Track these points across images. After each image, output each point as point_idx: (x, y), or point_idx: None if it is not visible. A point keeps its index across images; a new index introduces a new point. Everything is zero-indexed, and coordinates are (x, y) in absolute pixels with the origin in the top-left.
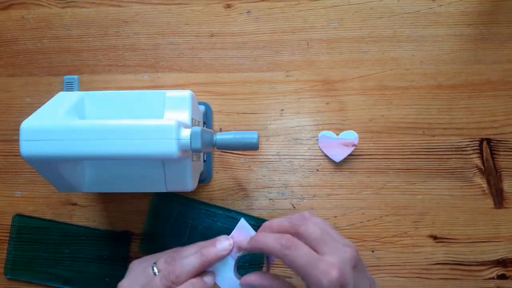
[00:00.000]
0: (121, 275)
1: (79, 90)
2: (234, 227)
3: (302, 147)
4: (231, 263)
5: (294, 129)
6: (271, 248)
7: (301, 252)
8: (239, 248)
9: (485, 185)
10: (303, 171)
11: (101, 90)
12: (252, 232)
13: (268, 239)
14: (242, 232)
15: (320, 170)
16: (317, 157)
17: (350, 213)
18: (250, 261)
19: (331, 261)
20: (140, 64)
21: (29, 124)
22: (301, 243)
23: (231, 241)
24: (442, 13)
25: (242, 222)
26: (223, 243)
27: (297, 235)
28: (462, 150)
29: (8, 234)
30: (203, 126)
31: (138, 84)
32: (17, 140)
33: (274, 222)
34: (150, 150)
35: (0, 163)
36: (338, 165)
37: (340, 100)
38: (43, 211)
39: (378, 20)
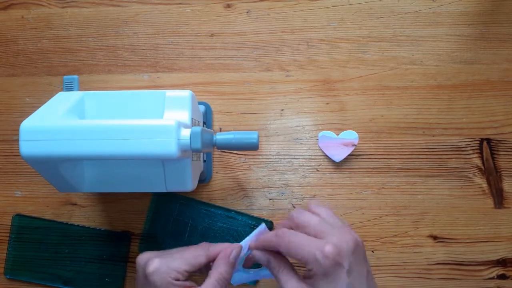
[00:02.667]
0: (121, 275)
1: (79, 90)
2: (234, 227)
3: (302, 147)
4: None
5: (294, 129)
6: (269, 241)
7: (296, 238)
8: (250, 247)
9: (485, 185)
10: (303, 171)
11: (101, 90)
12: None
13: (265, 235)
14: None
15: (320, 170)
16: (317, 157)
17: (350, 213)
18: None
19: (329, 240)
20: (140, 64)
21: (29, 124)
22: (296, 232)
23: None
24: (442, 13)
25: (262, 227)
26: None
27: (297, 227)
28: (462, 150)
29: (8, 234)
30: (203, 126)
31: (138, 84)
32: (17, 140)
33: (279, 222)
34: (150, 150)
35: (0, 163)
36: (338, 165)
37: (340, 100)
38: (43, 211)
39: (378, 20)
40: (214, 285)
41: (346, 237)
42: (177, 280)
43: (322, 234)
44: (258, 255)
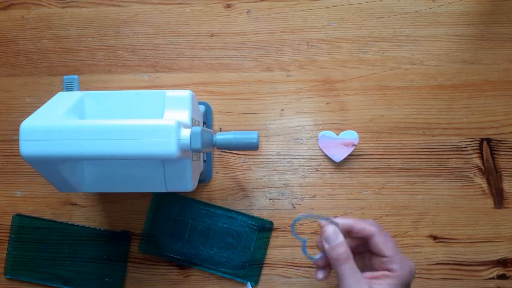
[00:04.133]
0: (121, 275)
1: (79, 90)
2: (234, 227)
3: (302, 147)
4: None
5: (294, 129)
6: (370, 230)
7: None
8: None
9: (485, 185)
10: (303, 171)
11: (101, 90)
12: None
13: (367, 224)
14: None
15: (320, 170)
16: (317, 157)
17: (350, 213)
18: (250, 261)
19: (403, 258)
20: (140, 64)
21: (29, 124)
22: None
23: None
24: (442, 13)
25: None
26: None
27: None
28: (462, 150)
29: (8, 234)
30: (203, 126)
31: (138, 84)
32: (17, 140)
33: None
34: (150, 150)
35: (0, 163)
36: (338, 165)
37: (340, 100)
38: (43, 211)
39: (378, 20)
40: None
41: (412, 265)
42: None
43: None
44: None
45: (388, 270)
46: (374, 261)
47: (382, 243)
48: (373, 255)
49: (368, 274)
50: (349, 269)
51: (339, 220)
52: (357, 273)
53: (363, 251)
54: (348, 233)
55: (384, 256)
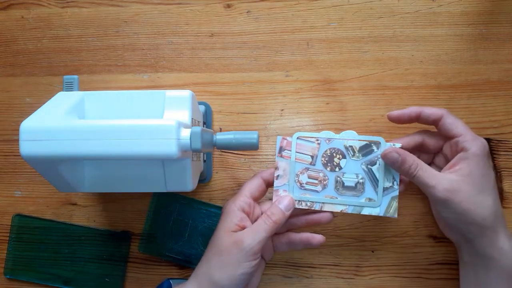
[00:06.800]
0: (121, 275)
1: (79, 90)
2: None
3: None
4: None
5: (294, 129)
6: (438, 111)
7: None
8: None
9: None
10: None
11: (101, 90)
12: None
13: (435, 109)
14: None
15: None
16: None
17: (350, 213)
18: None
19: (474, 134)
20: (140, 64)
21: (29, 124)
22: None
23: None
24: (442, 13)
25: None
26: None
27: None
28: None
29: (8, 234)
30: (203, 126)
31: (138, 84)
32: (17, 140)
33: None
34: (150, 150)
35: (0, 163)
36: None
37: (340, 100)
38: (43, 211)
39: (378, 20)
40: (263, 221)
41: (481, 139)
42: (242, 209)
43: (456, 125)
44: (390, 153)
45: (463, 149)
46: (447, 151)
47: (452, 122)
48: (445, 144)
49: (445, 167)
50: (422, 171)
51: (404, 139)
52: (432, 170)
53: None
54: (418, 118)
55: (455, 136)
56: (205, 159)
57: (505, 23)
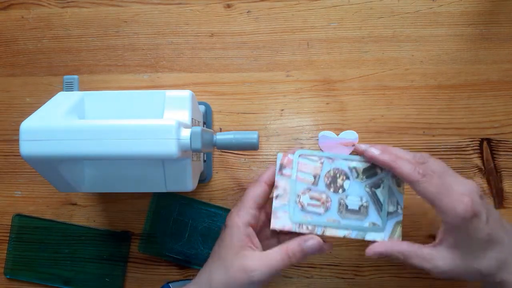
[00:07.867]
0: (121, 275)
1: (79, 90)
2: None
3: (302, 147)
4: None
5: (294, 129)
6: (407, 173)
7: (433, 182)
8: (365, 153)
9: (485, 185)
10: None
11: (101, 90)
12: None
13: (404, 164)
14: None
15: None
16: None
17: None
18: None
19: (461, 190)
20: (140, 64)
21: (29, 124)
22: (433, 174)
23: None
24: (442, 13)
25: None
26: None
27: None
28: (462, 150)
29: (8, 234)
30: (203, 126)
31: (138, 84)
32: (17, 140)
33: (397, 151)
34: (150, 150)
35: (0, 163)
36: None
37: (340, 100)
38: (43, 211)
39: (378, 20)
40: (281, 256)
41: (470, 184)
42: (249, 224)
43: (447, 181)
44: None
45: (442, 221)
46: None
47: (422, 191)
48: None
49: (436, 240)
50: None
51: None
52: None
53: None
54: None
55: (431, 204)
56: (205, 159)
57: (505, 23)
